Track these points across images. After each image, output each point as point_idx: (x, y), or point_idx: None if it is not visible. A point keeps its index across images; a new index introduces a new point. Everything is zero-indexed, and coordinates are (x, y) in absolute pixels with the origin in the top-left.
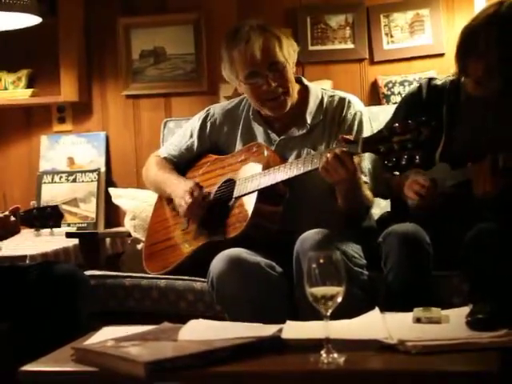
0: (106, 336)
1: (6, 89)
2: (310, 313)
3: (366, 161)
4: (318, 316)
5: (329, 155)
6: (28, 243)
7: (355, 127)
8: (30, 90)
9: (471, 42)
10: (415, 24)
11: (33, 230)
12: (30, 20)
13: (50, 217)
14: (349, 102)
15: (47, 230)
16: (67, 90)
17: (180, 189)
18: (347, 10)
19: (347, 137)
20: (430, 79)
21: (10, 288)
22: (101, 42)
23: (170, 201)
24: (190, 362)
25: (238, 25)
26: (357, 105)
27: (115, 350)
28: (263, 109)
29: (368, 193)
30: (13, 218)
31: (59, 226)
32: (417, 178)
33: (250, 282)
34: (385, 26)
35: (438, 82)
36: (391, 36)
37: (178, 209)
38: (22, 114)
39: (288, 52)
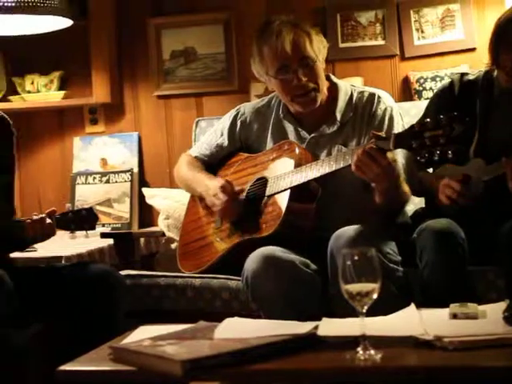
0: (142, 335)
1: (38, 91)
2: (345, 310)
3: (399, 156)
4: (353, 313)
5: (360, 152)
6: (63, 244)
7: (386, 122)
8: (62, 93)
9: (504, 33)
10: (446, 19)
11: (68, 232)
12: (62, 23)
13: (85, 219)
14: (378, 97)
15: (82, 233)
16: (99, 92)
17: (211, 188)
18: (377, 7)
19: (378, 133)
20: (463, 74)
21: (46, 288)
22: (132, 43)
23: (202, 200)
24: (227, 360)
25: (268, 19)
26: (387, 100)
27: (152, 349)
28: (293, 105)
29: (406, 188)
30: (49, 221)
31: (94, 229)
32: (450, 181)
33: (285, 280)
34: (415, 21)
35: (471, 77)
36: (422, 31)
37: (211, 207)
38: (54, 117)
39: (318, 48)
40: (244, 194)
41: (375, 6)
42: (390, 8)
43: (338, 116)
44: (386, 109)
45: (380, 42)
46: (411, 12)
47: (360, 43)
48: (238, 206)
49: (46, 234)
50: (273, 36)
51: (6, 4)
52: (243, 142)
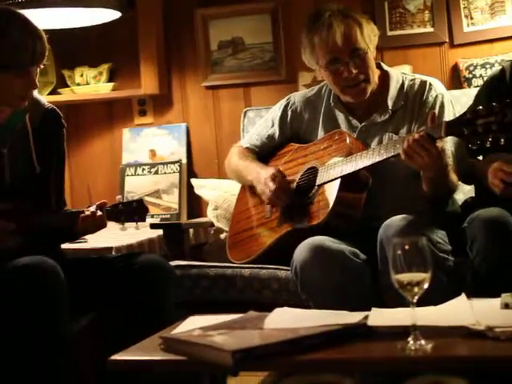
0: (192, 325)
1: (87, 83)
2: (395, 300)
3: (449, 144)
4: (403, 303)
5: (410, 139)
6: (113, 235)
7: (437, 109)
8: (111, 84)
9: None
10: (495, 5)
11: (118, 223)
12: (110, 15)
13: (135, 211)
14: (430, 84)
15: (132, 224)
16: (147, 83)
17: (262, 176)
18: None
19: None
20: None
21: (97, 279)
22: (179, 34)
23: (252, 190)
24: (277, 350)
25: (318, 9)
26: (438, 87)
27: (202, 339)
28: (343, 95)
29: (454, 177)
30: (99, 213)
31: (144, 220)
32: (502, 164)
33: (334, 270)
34: (464, 8)
35: None
36: (471, 18)
37: (261, 196)
38: (103, 108)
39: (369, 37)
40: (294, 183)
41: None
42: None
43: (390, 104)
44: (437, 96)
45: (429, 29)
46: None
47: (408, 31)
48: (287, 195)
49: (97, 225)
50: (324, 28)
51: None
52: (294, 132)
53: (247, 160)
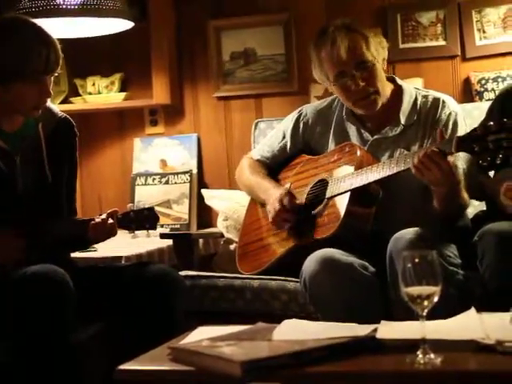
0: (201, 336)
1: (99, 93)
2: (404, 313)
3: (461, 161)
4: (412, 316)
5: (421, 154)
6: (123, 244)
7: (450, 127)
8: (122, 94)
9: None
10: (508, 19)
11: (129, 232)
12: (122, 25)
13: (146, 219)
14: (443, 102)
15: (143, 232)
16: (159, 93)
17: (271, 196)
18: (438, 7)
19: (444, 134)
20: None
21: (107, 288)
22: (191, 44)
23: (262, 202)
24: (286, 362)
25: (324, 26)
26: (451, 105)
27: (211, 350)
28: (355, 108)
29: (465, 195)
30: (111, 221)
31: (155, 229)
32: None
33: (343, 283)
34: (477, 21)
35: None
36: (484, 32)
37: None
38: (115, 118)
39: (376, 50)
40: (304, 195)
41: (436, 6)
42: (451, 8)
43: (402, 119)
44: (450, 113)
45: (441, 42)
46: (473, 12)
47: (421, 44)
48: (291, 216)
49: (107, 233)
50: (328, 43)
51: (69, 7)
52: (306, 144)
53: (259, 176)
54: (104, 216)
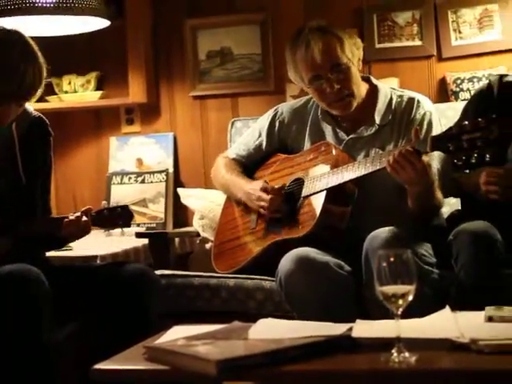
0: (176, 335)
1: (75, 92)
2: (379, 312)
3: (435, 161)
4: (387, 315)
5: (396, 153)
6: (98, 243)
7: (424, 127)
8: (99, 93)
9: None
10: (484, 19)
11: (103, 230)
12: (99, 23)
13: (120, 217)
14: (418, 101)
15: (118, 230)
16: (135, 92)
17: (252, 193)
18: (414, 7)
19: (419, 134)
20: (502, 76)
21: (82, 287)
22: (168, 43)
23: (238, 201)
24: (261, 361)
25: (299, 27)
26: (426, 105)
27: (186, 349)
28: (330, 109)
29: (439, 195)
30: (85, 218)
31: (129, 226)
32: (491, 170)
33: (319, 281)
34: (453, 21)
35: (510, 78)
36: (459, 32)
37: (259, 212)
38: (91, 117)
39: (351, 51)
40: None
41: (412, 6)
42: (427, 8)
43: (377, 119)
44: (425, 113)
45: (417, 42)
46: (449, 12)
47: (397, 44)
48: (281, 203)
49: (81, 231)
50: (303, 46)
51: (44, 5)
52: (281, 143)
53: (233, 174)
54: (78, 214)
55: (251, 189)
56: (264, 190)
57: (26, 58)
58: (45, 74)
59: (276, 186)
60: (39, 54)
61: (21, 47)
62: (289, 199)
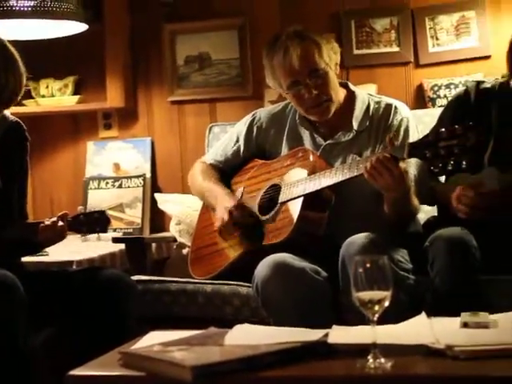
0: (152, 341)
1: (52, 96)
2: (355, 317)
3: (412, 168)
4: (363, 321)
5: (373, 159)
6: (74, 248)
7: (401, 133)
8: (76, 97)
9: None
10: (461, 26)
11: (79, 235)
12: (77, 27)
13: (97, 222)
14: (395, 107)
15: (94, 236)
16: (113, 97)
17: (222, 205)
18: (392, 14)
19: (393, 141)
20: (479, 82)
21: (58, 293)
22: (146, 48)
23: (214, 208)
24: (237, 367)
25: (277, 33)
26: (403, 111)
27: (162, 355)
28: (308, 115)
29: (416, 201)
30: (61, 223)
31: (106, 232)
32: (464, 190)
33: (295, 287)
34: (430, 28)
35: (487, 85)
36: (437, 39)
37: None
38: (68, 121)
39: (329, 56)
40: (257, 200)
41: (390, 12)
42: (404, 15)
43: (355, 124)
44: (402, 119)
45: (394, 48)
46: (426, 19)
47: (374, 50)
48: (235, 231)
49: (57, 236)
50: (280, 52)
51: (22, 9)
52: (259, 148)
53: (211, 181)
54: (54, 219)
55: (222, 201)
56: (230, 212)
57: (6, 66)
58: (25, 80)
59: (251, 195)
60: (19, 59)
61: (0, 53)
62: (265, 206)
